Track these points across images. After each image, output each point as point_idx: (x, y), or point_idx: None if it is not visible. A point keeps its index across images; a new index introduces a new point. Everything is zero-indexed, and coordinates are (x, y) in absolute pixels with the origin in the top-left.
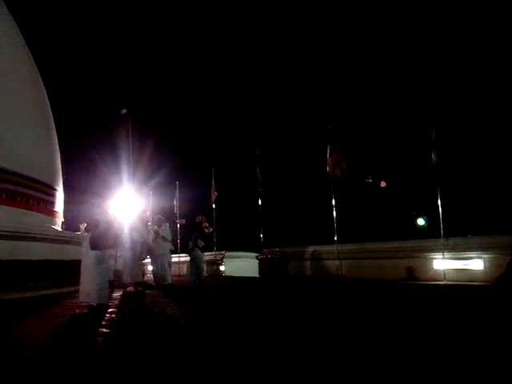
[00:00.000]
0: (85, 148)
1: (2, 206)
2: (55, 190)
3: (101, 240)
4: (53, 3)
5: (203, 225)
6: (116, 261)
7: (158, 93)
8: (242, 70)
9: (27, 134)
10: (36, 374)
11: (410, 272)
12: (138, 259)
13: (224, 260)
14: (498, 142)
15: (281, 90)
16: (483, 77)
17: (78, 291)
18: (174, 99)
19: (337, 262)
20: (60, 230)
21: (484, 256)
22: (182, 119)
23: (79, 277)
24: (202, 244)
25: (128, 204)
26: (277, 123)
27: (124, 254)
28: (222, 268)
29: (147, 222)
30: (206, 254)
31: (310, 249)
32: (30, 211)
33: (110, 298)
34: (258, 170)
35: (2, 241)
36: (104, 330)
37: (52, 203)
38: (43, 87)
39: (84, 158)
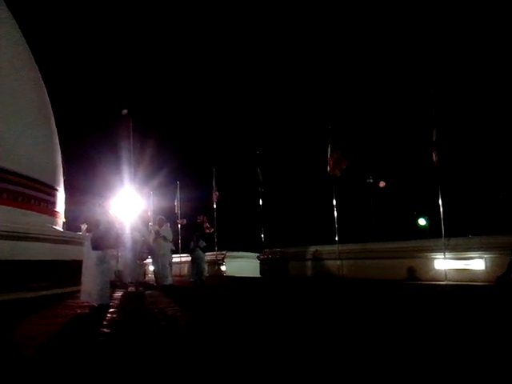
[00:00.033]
0: (86, 148)
1: (3, 207)
2: (56, 190)
3: (102, 240)
4: (54, 3)
5: (204, 225)
6: (117, 261)
7: (159, 93)
8: (242, 71)
9: (28, 135)
10: (36, 374)
11: (411, 272)
12: (138, 259)
13: (225, 260)
14: (499, 142)
15: (282, 91)
16: (484, 76)
17: (79, 291)
18: (175, 99)
19: (338, 262)
20: (61, 230)
21: (485, 256)
22: (183, 119)
23: (80, 277)
24: (204, 244)
25: (129, 204)
26: (278, 123)
27: (125, 254)
28: (223, 268)
29: (148, 222)
30: (207, 254)
31: (311, 249)
32: (31, 211)
33: (111, 298)
34: (259, 170)
35: (3, 241)
36: (105, 330)
37: (53, 203)
38: (44, 87)
39: (85, 159)
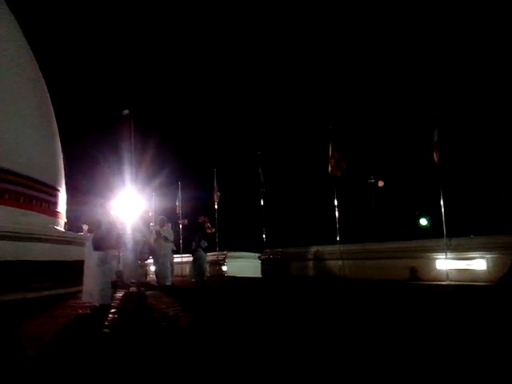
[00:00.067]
0: (87, 149)
1: (5, 207)
2: (58, 190)
3: (103, 240)
4: (55, 4)
5: (206, 225)
6: (119, 261)
7: (160, 93)
8: (243, 71)
9: (29, 135)
10: (37, 375)
11: (413, 272)
12: (140, 260)
13: (226, 260)
14: (501, 142)
15: (283, 91)
16: (485, 76)
17: (80, 292)
18: (176, 100)
19: (339, 263)
20: (62, 230)
21: (487, 256)
22: (184, 120)
23: (82, 277)
24: (206, 244)
25: (130, 204)
26: (279, 124)
27: (126, 254)
28: (224, 268)
29: (149, 222)
30: (208, 254)
31: (313, 249)
32: (32, 212)
33: (112, 298)
34: (260, 170)
35: (5, 241)
36: (106, 330)
37: (55, 204)
38: (46, 88)
39: (86, 159)
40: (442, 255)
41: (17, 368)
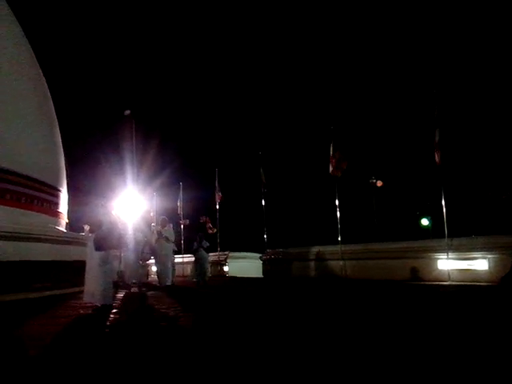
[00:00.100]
0: (89, 149)
1: (7, 207)
2: (59, 190)
3: (105, 241)
4: (56, 4)
5: (207, 225)
6: (120, 261)
7: (162, 94)
8: (245, 71)
9: (31, 135)
10: (39, 375)
11: (415, 272)
12: (141, 260)
13: (228, 260)
14: (502, 142)
15: (284, 91)
16: (487, 76)
17: (82, 292)
18: (178, 100)
19: (341, 263)
20: (64, 230)
21: (488, 256)
22: (186, 120)
23: (83, 277)
24: (207, 245)
25: (132, 205)
26: (280, 124)
27: (127, 254)
28: (225, 268)
29: (151, 222)
30: (209, 254)
31: (314, 249)
32: (34, 212)
33: (114, 298)
34: (261, 170)
35: (6, 242)
36: (108, 330)
37: (56, 204)
38: (47, 88)
39: (88, 159)
40: (443, 255)
41: (19, 368)
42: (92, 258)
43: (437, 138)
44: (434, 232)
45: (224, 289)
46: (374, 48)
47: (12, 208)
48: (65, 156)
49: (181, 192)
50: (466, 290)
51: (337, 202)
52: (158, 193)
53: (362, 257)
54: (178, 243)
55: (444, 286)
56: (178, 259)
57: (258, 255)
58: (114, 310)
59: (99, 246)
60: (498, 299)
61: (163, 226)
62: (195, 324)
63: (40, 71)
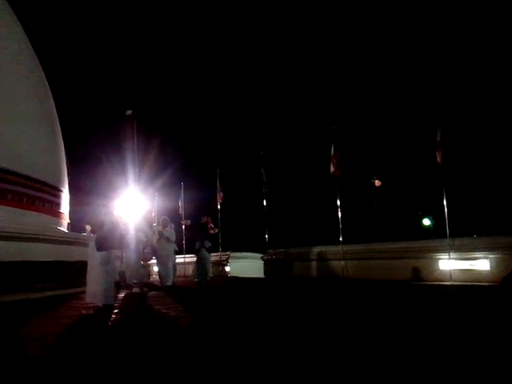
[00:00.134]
0: (90, 149)
1: (8, 208)
2: (61, 191)
3: (106, 241)
4: (58, 4)
5: (208, 225)
6: (122, 261)
7: (163, 94)
8: (246, 71)
9: (32, 136)
10: (41, 376)
11: (416, 272)
12: (143, 260)
13: (229, 261)
14: (504, 142)
15: (285, 91)
16: (489, 76)
17: (83, 292)
18: (179, 100)
19: (342, 263)
20: (65, 230)
21: (490, 256)
22: (187, 120)
23: (85, 278)
24: (209, 245)
25: (133, 205)
26: (281, 124)
27: (128, 254)
28: (227, 269)
29: (152, 222)
30: (211, 254)
31: (316, 249)
32: (35, 212)
33: (115, 298)
34: (262, 170)
35: (8, 242)
36: (109, 331)
37: (57, 204)
38: (48, 89)
39: (89, 159)
40: (445, 255)
41: (21, 368)
42: (94, 258)
43: (438, 138)
44: (436, 232)
45: (225, 289)
46: (376, 48)
47: (13, 208)
48: (66, 156)
49: (182, 192)
50: (467, 290)
51: (338, 202)
52: (160, 193)
53: (364, 257)
54: (179, 243)
55: (446, 286)
56: (180, 259)
57: (260, 255)
58: (116, 311)
59: (101, 246)
60: (500, 299)
61: (164, 226)
62: (196, 324)
63: (41, 71)
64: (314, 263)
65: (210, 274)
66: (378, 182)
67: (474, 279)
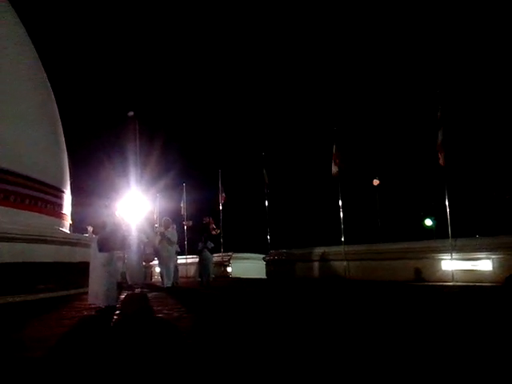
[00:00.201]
0: (92, 150)
1: (11, 209)
2: (63, 192)
3: (108, 242)
4: (60, 5)
5: (210, 226)
6: (124, 262)
7: (165, 95)
8: (248, 72)
9: (34, 137)
10: (44, 377)
11: (418, 273)
12: (144, 261)
13: (231, 261)
14: (506, 142)
15: (287, 92)
16: (490, 76)
17: (86, 293)
18: (181, 101)
19: (344, 263)
20: (68, 232)
21: (492, 256)
22: (189, 121)
23: (87, 279)
24: (212, 245)
25: (135, 206)
26: (283, 125)
27: (130, 255)
28: (229, 269)
29: (154, 223)
30: (213, 255)
31: (317, 250)
32: (38, 213)
33: (118, 299)
34: (264, 171)
35: (10, 243)
36: (110, 332)
37: (60, 205)
38: (51, 91)
39: (91, 161)
40: (447, 256)
41: (24, 370)
42: (96, 259)
43: (440, 139)
44: (438, 232)
45: (227, 290)
46: (377, 49)
47: (16, 210)
48: (68, 157)
49: (184, 193)
50: (470, 290)
51: (340, 203)
52: (162, 194)
53: (366, 257)
54: (181, 244)
55: (448, 286)
56: (182, 260)
57: (262, 256)
58: (118, 312)
59: (103, 247)
60: (503, 300)
61: (166, 227)
62: (198, 325)
63: (43, 72)
64: (315, 264)
65: (213, 275)
66: (376, 181)
67: (477, 280)
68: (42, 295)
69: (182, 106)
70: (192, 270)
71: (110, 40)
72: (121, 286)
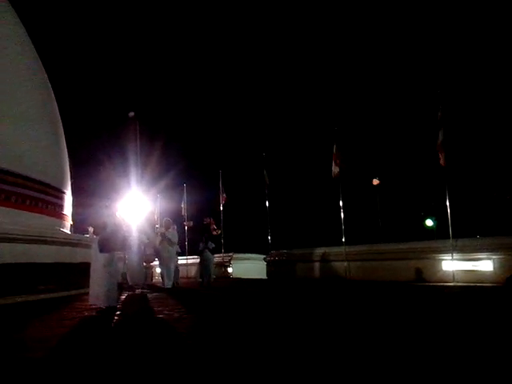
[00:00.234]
0: (93, 151)
1: (11, 209)
2: (64, 192)
3: (109, 242)
4: (61, 6)
5: (211, 227)
6: (125, 263)
7: (166, 95)
8: (249, 73)
9: (35, 137)
10: (45, 377)
11: (419, 273)
12: (145, 261)
13: (232, 262)
14: (507, 142)
15: (288, 92)
16: (491, 76)
17: (86, 294)
18: (182, 102)
19: (345, 264)
20: (68, 232)
21: (493, 257)
22: (190, 121)
23: (88, 279)
24: (213, 246)
25: (136, 206)
26: (284, 125)
27: (131, 256)
28: (229, 270)
29: (155, 224)
30: (214, 255)
31: (318, 250)
32: (38, 214)
33: (118, 300)
34: (265, 171)
35: (11, 244)
36: (110, 333)
37: (61, 206)
38: (52, 91)
39: (92, 161)
40: (448, 256)
41: (26, 370)
42: (96, 260)
43: (441, 139)
44: (439, 233)
45: (228, 290)
46: (378, 49)
47: (17, 210)
48: (69, 157)
49: (185, 193)
50: (470, 291)
51: (341, 203)
52: (162, 194)
53: (367, 258)
54: (181, 245)
55: (449, 287)
56: (182, 261)
57: (262, 256)
58: (118, 312)
59: (103, 247)
60: (503, 300)
61: (167, 228)
62: (198, 326)
63: (44, 73)
64: (316, 264)
65: (213, 276)
66: (375, 181)
67: (477, 280)
68: (42, 296)
69: (182, 107)
70: (193, 271)
71: (110, 40)
72: (121, 286)
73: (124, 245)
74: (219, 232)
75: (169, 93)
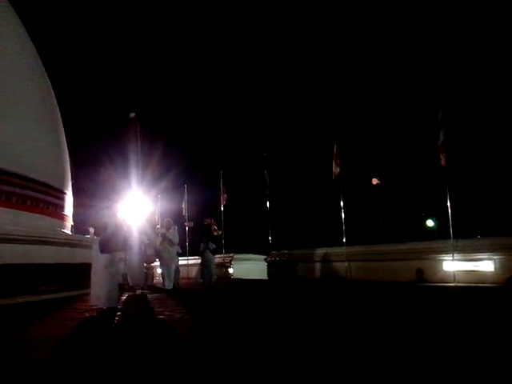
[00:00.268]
0: (93, 151)
1: (12, 210)
2: (64, 193)
3: (109, 243)
4: (61, 6)
5: (212, 227)
6: (125, 264)
7: (167, 96)
8: (249, 73)
9: (35, 138)
10: (47, 377)
11: (420, 274)
12: (146, 262)
13: (232, 262)
14: (507, 142)
15: (288, 92)
16: (492, 76)
17: (87, 294)
18: (183, 102)
19: (345, 264)
20: (69, 233)
21: (494, 257)
22: (191, 122)
23: (89, 280)
24: (214, 246)
25: (136, 207)
26: (284, 125)
27: (131, 257)
28: (230, 270)
29: (155, 225)
30: (215, 256)
31: (319, 251)
32: (39, 215)
33: (119, 301)
34: (265, 172)
35: (12, 244)
36: (111, 333)
37: (61, 207)
38: (52, 92)
39: (93, 162)
40: (448, 256)
41: (29, 370)
42: (97, 261)
43: (441, 139)
44: (440, 233)
45: (229, 291)
46: (378, 49)
47: (18, 211)
48: (70, 158)
49: (185, 194)
50: (471, 291)
51: (341, 204)
52: (163, 195)
53: (367, 258)
54: (182, 245)
55: (449, 287)
56: (183, 261)
57: (263, 257)
58: (119, 313)
59: (104, 248)
60: (504, 300)
61: (168, 229)
62: (199, 327)
63: (44, 73)
64: (317, 265)
65: (214, 276)
66: (375, 181)
67: (478, 280)
68: (44, 296)
69: (183, 108)
70: (193, 271)
71: (111, 40)
72: (122, 287)
73: (125, 245)
74: (220, 233)
75: (170, 94)
